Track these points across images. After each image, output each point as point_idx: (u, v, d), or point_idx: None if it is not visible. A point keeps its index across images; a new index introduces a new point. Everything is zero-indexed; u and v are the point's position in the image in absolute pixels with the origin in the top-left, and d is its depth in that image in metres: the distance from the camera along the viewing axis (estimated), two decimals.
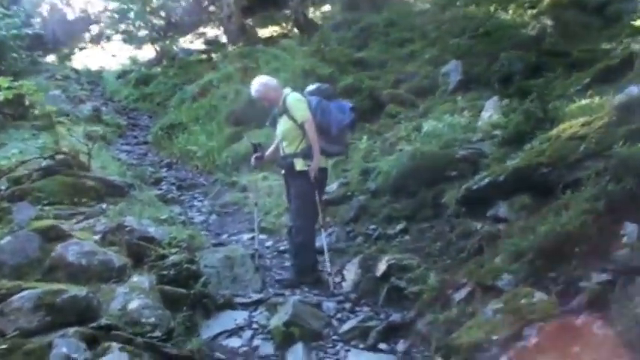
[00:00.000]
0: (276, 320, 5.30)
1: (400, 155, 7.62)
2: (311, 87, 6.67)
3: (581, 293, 4.31)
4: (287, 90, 6.56)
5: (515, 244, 4.96)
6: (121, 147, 14.92)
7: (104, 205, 7.44)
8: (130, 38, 32.49)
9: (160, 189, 10.66)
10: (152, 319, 4.76)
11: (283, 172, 6.67)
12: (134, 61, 26.32)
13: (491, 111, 8.66)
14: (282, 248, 7.65)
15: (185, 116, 14.77)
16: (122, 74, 24.28)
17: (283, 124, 6.44)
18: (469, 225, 6.13)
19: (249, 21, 25.35)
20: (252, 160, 6.94)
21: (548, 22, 11.81)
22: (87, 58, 30.71)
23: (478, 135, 7.84)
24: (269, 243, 7.93)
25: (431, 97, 11.28)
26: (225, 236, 8.33)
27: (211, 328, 5.39)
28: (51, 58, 33.06)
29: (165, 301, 5.24)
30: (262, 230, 8.37)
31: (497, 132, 7.81)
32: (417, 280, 5.56)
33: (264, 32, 23.12)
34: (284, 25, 23.53)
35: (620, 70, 8.56)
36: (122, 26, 33.77)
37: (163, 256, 5.93)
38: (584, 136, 5.70)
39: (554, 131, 6.13)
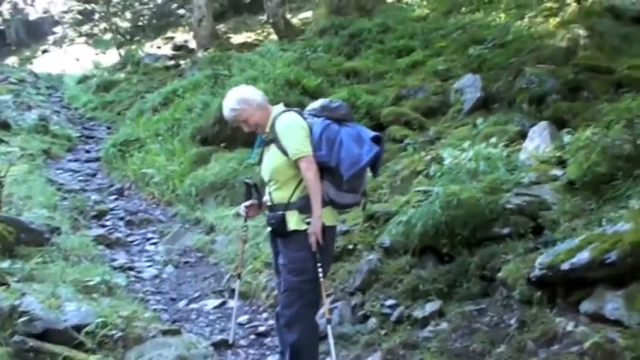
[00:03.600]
0: None
1: (429, 201, 5.51)
2: (315, 103, 4.45)
3: None
4: (278, 108, 4.36)
5: None
6: (66, 164, 12.70)
7: (6, 264, 5.15)
8: (94, 41, 31.04)
9: (103, 226, 8.40)
10: None
11: (269, 229, 4.40)
12: (97, 65, 25.06)
13: (538, 140, 6.63)
14: (262, 329, 5.48)
15: (143, 130, 12.49)
16: (83, 79, 23.18)
17: (271, 159, 4.21)
18: (552, 321, 4.03)
19: (222, 27, 23.63)
20: (242, 208, 4.62)
21: (581, 32, 9.83)
22: (49, 62, 29.44)
23: (530, 175, 5.77)
24: (243, 318, 5.75)
25: (442, 119, 9.29)
26: (182, 303, 6.12)
27: None
28: (12, 60, 31.77)
29: None
30: (233, 293, 6.23)
31: (557, 172, 5.79)
32: None
33: (237, 39, 21.32)
34: (260, 31, 21.63)
35: None
36: (86, 28, 32.19)
37: None
38: None
39: None
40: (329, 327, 4.15)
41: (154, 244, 7.91)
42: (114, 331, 4.44)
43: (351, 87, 10.27)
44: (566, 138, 6.39)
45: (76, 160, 13.27)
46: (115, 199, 10.00)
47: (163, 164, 10.37)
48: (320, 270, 4.11)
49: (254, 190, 4.56)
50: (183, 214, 8.86)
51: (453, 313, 4.79)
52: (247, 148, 9.43)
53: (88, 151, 14.29)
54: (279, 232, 4.21)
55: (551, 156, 6.18)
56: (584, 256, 3.87)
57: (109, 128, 16.47)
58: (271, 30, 18.99)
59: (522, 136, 7.35)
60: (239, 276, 4.95)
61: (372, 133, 4.26)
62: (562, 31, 10.20)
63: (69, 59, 28.55)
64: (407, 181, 6.97)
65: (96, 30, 31.13)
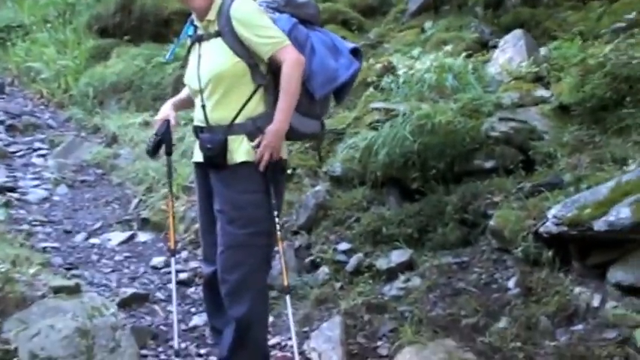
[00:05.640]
0: None
1: (393, 124, 4.46)
2: None
3: None
4: None
5: None
6: None
7: None
8: None
9: None
10: None
11: (196, 159, 3.17)
12: None
13: (510, 52, 5.65)
14: (183, 276, 4.38)
15: (28, 15, 10.61)
16: None
17: (215, 60, 2.96)
18: (568, 291, 3.17)
19: None
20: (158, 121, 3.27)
21: None
22: None
23: (511, 95, 4.81)
24: (158, 259, 4.63)
25: (383, 20, 8.14)
26: (80, 238, 4.91)
27: None
28: None
29: None
30: (144, 224, 5.14)
31: (543, 93, 4.86)
32: None
33: None
34: None
35: None
36: None
37: None
38: None
39: None
40: (288, 298, 3.09)
41: (43, 156, 6.52)
42: None
43: None
44: (543, 50, 5.47)
45: None
46: None
47: (53, 57, 8.76)
48: (276, 218, 3.03)
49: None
50: (79, 120, 7.47)
51: (426, 265, 3.90)
52: (157, 43, 8.00)
53: None
54: (216, 163, 3.03)
55: (528, 71, 5.23)
56: (624, 213, 2.97)
57: None
58: None
59: (482, 45, 6.40)
60: (173, 253, 3.32)
61: (350, 45, 3.15)
62: None
63: None
64: (353, 94, 5.87)
65: None
